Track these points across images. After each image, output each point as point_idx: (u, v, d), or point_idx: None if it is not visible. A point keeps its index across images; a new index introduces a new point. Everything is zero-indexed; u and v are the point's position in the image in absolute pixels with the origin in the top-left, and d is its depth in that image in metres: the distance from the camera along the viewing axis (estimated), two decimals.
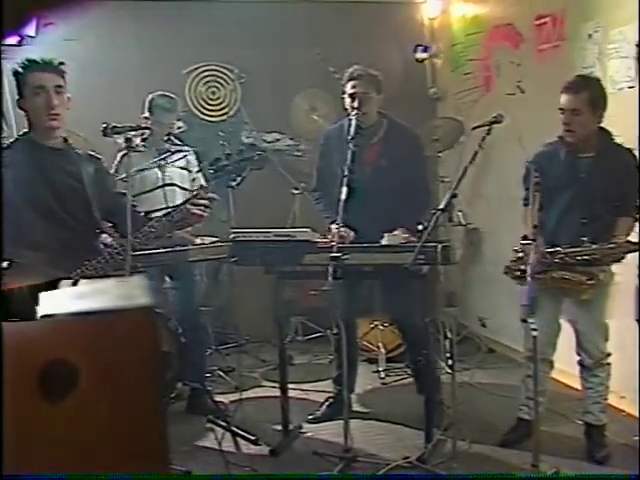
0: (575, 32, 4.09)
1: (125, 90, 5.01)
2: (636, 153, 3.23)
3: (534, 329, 2.69)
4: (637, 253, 3.02)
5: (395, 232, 3.34)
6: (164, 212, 2.91)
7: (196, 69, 5.56)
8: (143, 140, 3.99)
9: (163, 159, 4.00)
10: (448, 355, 3.46)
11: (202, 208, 2.80)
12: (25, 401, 1.41)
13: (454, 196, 3.01)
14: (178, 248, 3.60)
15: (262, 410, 3.97)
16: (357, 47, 5.24)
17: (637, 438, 3.34)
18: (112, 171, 3.73)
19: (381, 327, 4.79)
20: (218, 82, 5.63)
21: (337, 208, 3.13)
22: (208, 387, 4.03)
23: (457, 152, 4.53)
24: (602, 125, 3.19)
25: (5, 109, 4.09)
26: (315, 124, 5.25)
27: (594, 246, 2.99)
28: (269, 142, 5.49)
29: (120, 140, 2.75)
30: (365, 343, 4.74)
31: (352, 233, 3.46)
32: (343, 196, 3.12)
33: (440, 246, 3.05)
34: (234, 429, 3.39)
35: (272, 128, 5.17)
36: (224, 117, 5.64)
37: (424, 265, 3.14)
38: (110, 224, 2.92)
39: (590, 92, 3.11)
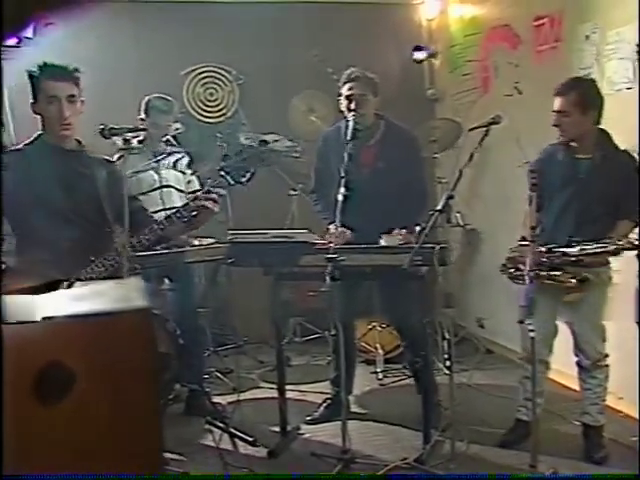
0: (573, 33, 4.10)
1: (123, 91, 5.00)
2: (636, 155, 3.23)
3: (531, 330, 2.70)
4: (637, 253, 3.01)
5: (393, 233, 3.35)
6: (173, 210, 2.89)
7: (194, 70, 5.55)
8: (140, 142, 3.99)
9: (158, 161, 4.01)
10: (446, 356, 3.46)
11: (212, 203, 2.78)
12: (25, 402, 1.41)
13: (451, 197, 3.01)
14: (175, 249, 3.59)
15: (260, 411, 3.96)
16: (355, 48, 5.27)
17: (635, 439, 3.34)
18: None
19: (379, 328, 4.79)
20: (216, 83, 5.63)
21: (335, 209, 3.14)
22: (206, 388, 4.03)
23: (455, 153, 4.53)
24: (602, 127, 3.19)
25: (5, 111, 4.09)
26: (313, 125, 5.24)
27: (579, 247, 2.98)
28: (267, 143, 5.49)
29: (119, 142, 2.74)
30: (363, 344, 4.73)
31: (349, 232, 3.46)
32: (341, 197, 3.13)
33: (437, 247, 3.04)
34: (232, 430, 3.38)
35: (270, 129, 5.17)
36: (222, 118, 5.64)
37: (422, 266, 3.14)
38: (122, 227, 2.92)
39: (578, 93, 3.11)
